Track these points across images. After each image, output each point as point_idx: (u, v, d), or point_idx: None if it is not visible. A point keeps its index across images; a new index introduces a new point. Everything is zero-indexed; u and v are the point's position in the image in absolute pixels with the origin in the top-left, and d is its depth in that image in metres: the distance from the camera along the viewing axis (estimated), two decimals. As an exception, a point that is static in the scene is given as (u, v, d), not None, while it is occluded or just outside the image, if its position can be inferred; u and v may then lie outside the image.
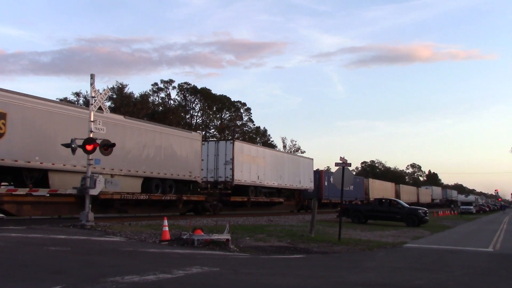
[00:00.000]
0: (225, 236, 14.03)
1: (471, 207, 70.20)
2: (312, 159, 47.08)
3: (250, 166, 34.08)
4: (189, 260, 10.79)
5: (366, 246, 16.17)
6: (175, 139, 26.64)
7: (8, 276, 7.64)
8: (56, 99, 58.29)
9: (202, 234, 14.03)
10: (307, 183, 44.05)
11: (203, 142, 28.79)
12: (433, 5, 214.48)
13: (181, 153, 27.00)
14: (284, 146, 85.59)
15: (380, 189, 66.22)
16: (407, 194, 76.64)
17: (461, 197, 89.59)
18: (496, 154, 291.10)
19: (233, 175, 31.83)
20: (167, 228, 14.72)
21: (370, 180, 66.83)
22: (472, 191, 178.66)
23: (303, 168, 43.54)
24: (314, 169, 50.20)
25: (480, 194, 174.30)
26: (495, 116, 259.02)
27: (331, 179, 43.85)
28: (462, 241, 20.14)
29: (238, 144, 33.35)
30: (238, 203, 33.75)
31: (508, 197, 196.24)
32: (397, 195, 71.57)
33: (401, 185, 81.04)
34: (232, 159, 31.85)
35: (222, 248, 13.41)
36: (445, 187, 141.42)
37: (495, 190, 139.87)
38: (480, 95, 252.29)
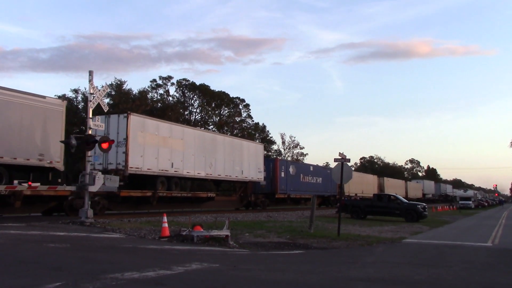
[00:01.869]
0: (224, 232, 14.04)
1: (470, 202, 70.29)
2: (262, 144, 40.97)
3: (158, 150, 25.89)
4: (188, 256, 10.81)
5: (366, 241, 16.20)
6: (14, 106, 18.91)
7: (7, 273, 7.64)
8: (55, 96, 58.39)
9: (202, 230, 14.04)
10: (254, 174, 35.61)
11: (92, 118, 18.48)
12: (432, 1, 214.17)
13: (20, 126, 19.13)
14: (283, 142, 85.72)
15: (359, 182, 58.11)
16: (393, 188, 67.56)
17: (460, 192, 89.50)
18: (495, 149, 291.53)
19: (126, 161, 23.69)
20: (166, 225, 14.75)
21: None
22: (471, 186, 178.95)
23: (248, 155, 34.78)
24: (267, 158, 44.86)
25: (479, 189, 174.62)
26: (493, 112, 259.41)
27: (290, 170, 41.33)
28: (461, 236, 20.18)
29: (136, 119, 24.84)
30: (136, 199, 25.68)
31: (506, 192, 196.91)
32: (381, 188, 65.81)
33: (385, 178, 72.74)
34: (126, 139, 23.79)
35: (221, 244, 13.43)
36: (439, 181, 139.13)
37: (494, 185, 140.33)
38: (479, 90, 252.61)
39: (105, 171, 21.73)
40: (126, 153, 23.75)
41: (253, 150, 36.28)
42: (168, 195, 27.21)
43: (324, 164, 72.53)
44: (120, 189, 22.32)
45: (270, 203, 39.19)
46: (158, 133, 26.18)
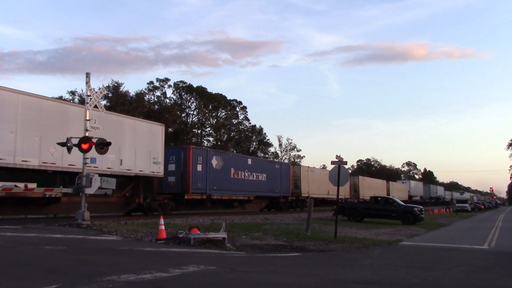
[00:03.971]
0: (221, 234, 14.03)
1: (467, 205, 70.46)
2: (162, 125, 27.76)
3: None
4: (185, 259, 10.78)
5: (362, 244, 16.20)
6: None
7: (3, 275, 7.61)
8: (52, 97, 58.28)
9: (199, 232, 14.02)
10: (145, 166, 25.41)
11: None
12: (428, 4, 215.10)
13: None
14: (280, 145, 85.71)
15: (321, 181, 47.43)
16: (370, 189, 58.39)
17: (456, 195, 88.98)
18: (491, 152, 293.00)
19: None
20: (163, 227, 14.74)
21: (303, 168, 47.27)
22: (468, 189, 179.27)
23: (133, 138, 24.83)
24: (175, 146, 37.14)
25: (476, 192, 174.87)
26: (490, 114, 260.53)
27: (213, 162, 31.19)
28: (458, 239, 20.21)
29: None
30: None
31: (503, 195, 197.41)
32: (355, 189, 57.77)
33: (360, 177, 62.79)
34: None
35: (218, 247, 13.41)
36: (435, 183, 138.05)
37: (490, 188, 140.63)
38: (475, 93, 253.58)
39: None
40: None
41: (144, 132, 25.74)
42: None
43: (321, 167, 71.11)
44: None
45: (178, 206, 29.53)
46: None
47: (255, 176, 36.47)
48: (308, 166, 49.27)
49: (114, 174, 22.68)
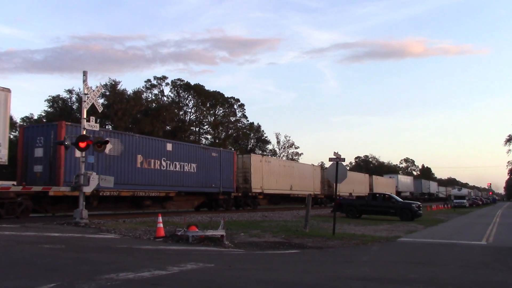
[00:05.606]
0: (219, 232, 14.03)
1: (464, 201, 70.55)
2: (8, 90, 18.58)
3: None
4: (184, 257, 10.78)
5: (361, 240, 16.22)
6: None
7: (2, 274, 7.60)
8: (49, 96, 58.00)
9: (197, 230, 14.03)
10: None
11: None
12: (425, 1, 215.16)
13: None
14: (278, 142, 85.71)
15: (281, 174, 40.60)
16: (349, 185, 49.44)
17: (455, 191, 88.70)
18: (489, 148, 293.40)
19: None
20: (161, 225, 14.73)
21: (255, 158, 38.03)
22: (465, 185, 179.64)
23: None
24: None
25: (473, 187, 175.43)
26: (487, 110, 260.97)
27: (108, 147, 19.21)
28: (456, 235, 20.25)
29: None
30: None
31: (501, 190, 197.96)
32: (329, 184, 48.59)
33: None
34: None
35: (216, 244, 13.42)
36: (433, 179, 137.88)
37: (488, 184, 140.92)
38: (472, 89, 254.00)
39: None
40: None
41: None
42: None
43: (319, 164, 69.76)
44: None
45: (46, 206, 21.35)
46: None
47: (178, 167, 28.17)
48: (262, 156, 41.62)
49: None
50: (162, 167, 26.90)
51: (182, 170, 28.49)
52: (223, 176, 32.43)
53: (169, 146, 27.62)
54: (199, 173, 29.92)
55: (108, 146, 22.07)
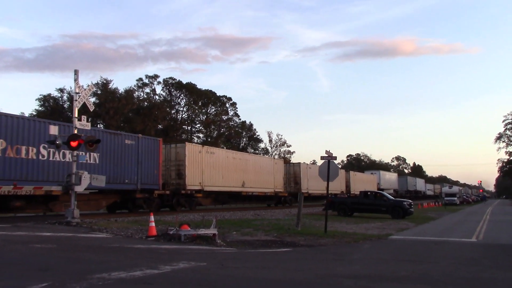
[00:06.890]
0: (212, 231, 14.05)
1: (455, 198, 71.05)
2: None
3: None
4: (176, 256, 10.79)
5: (352, 238, 16.30)
6: None
7: (-7, 275, 7.57)
8: (40, 95, 57.57)
9: (189, 229, 14.03)
10: None
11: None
12: (416, 0, 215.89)
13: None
14: (270, 141, 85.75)
15: (231, 169, 34.55)
16: (319, 181, 31.08)
17: (445, 189, 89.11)
18: (480, 146, 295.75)
19: None
20: (153, 224, 14.70)
21: (191, 148, 31.06)
22: (456, 183, 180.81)
23: None
24: None
25: (464, 185, 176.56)
26: (478, 108, 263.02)
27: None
28: (446, 232, 20.41)
29: None
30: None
31: (491, 188, 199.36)
32: (295, 181, 44.82)
33: (302, 164, 47.53)
34: None
35: (209, 243, 13.43)
36: (424, 177, 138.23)
37: (478, 181, 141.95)
38: (463, 88, 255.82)
39: None
40: None
41: None
42: None
43: (311, 162, 69.29)
44: None
45: None
46: None
47: (69, 156, 20.44)
48: (202, 146, 33.85)
49: None
50: (40, 157, 20.16)
51: (75, 160, 18.35)
52: (143, 170, 25.78)
53: (53, 129, 18.66)
54: (103, 165, 23.12)
55: None
